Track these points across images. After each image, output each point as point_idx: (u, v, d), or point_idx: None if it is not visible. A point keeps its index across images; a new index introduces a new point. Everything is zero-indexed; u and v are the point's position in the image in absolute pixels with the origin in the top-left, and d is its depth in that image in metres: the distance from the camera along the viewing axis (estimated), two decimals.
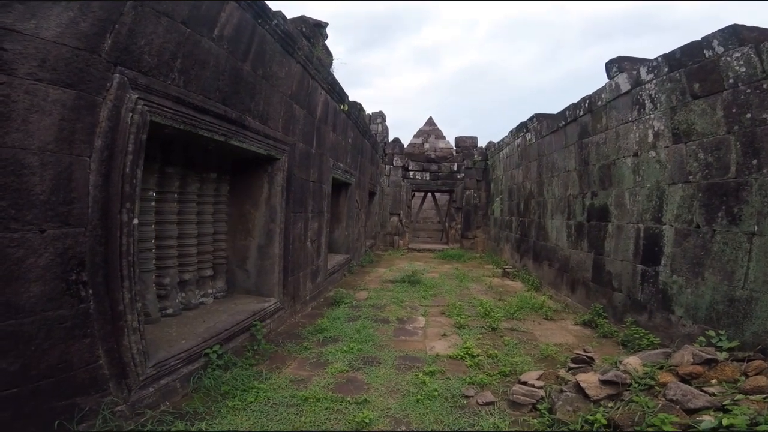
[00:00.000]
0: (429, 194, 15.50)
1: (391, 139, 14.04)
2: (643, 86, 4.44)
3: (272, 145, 4.15)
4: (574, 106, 6.21)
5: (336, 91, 6.22)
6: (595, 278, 5.51)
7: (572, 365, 3.43)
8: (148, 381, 2.59)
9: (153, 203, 3.45)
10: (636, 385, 2.59)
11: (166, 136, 3.04)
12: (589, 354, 3.45)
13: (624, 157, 4.89)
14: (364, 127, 9.28)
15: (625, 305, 4.76)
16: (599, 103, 5.41)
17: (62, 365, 2.05)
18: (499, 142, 11.59)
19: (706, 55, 3.57)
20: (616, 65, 4.99)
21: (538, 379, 3.06)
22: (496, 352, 3.97)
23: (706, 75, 3.57)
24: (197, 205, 3.94)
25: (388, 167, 13.56)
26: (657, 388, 2.56)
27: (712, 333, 3.35)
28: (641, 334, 4.10)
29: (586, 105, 5.79)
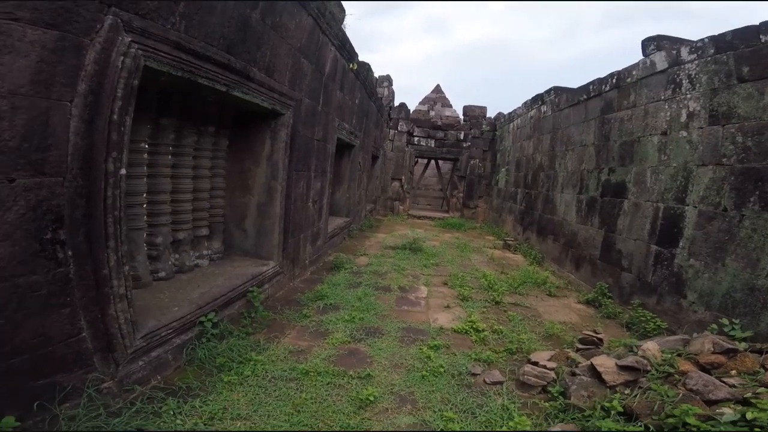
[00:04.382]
0: (432, 161, 15.13)
1: (397, 103, 13.50)
2: (682, 66, 4.22)
3: (277, 99, 3.83)
4: (599, 81, 5.95)
5: (346, 49, 5.79)
6: (604, 256, 5.36)
7: (580, 346, 3.31)
8: (138, 354, 2.38)
9: (145, 155, 3.16)
10: (655, 372, 2.46)
11: (162, 85, 2.76)
12: (598, 335, 3.32)
13: (650, 135, 4.68)
14: (371, 88, 8.82)
15: (634, 286, 4.63)
16: (629, 79, 5.17)
17: (38, 340, 1.81)
18: (509, 113, 11.25)
19: (762, 40, 3.36)
20: (654, 43, 4.76)
21: (549, 360, 2.93)
22: (501, 327, 3.85)
23: (759, 60, 3.39)
24: (194, 159, 3.65)
25: (392, 132, 13.13)
26: (676, 376, 2.43)
27: (725, 321, 3.24)
28: (648, 317, 3.99)
29: (614, 81, 5.54)
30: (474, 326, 3.77)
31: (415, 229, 9.71)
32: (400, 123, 13.12)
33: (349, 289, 4.76)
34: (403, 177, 13.34)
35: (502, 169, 11.63)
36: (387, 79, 13.99)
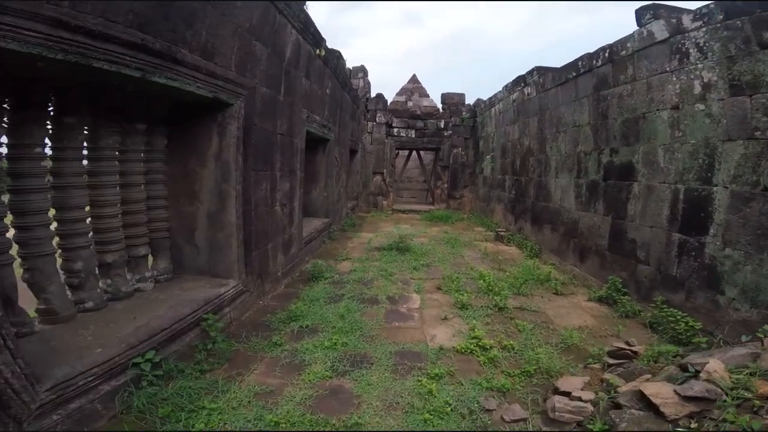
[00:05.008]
0: (413, 153, 14.53)
1: (373, 95, 12.82)
2: (686, 34, 3.75)
3: (221, 87, 3.13)
4: (589, 56, 5.44)
5: (310, 32, 5.08)
6: (613, 246, 4.82)
7: (611, 361, 2.75)
8: (48, 408, 1.92)
9: (44, 163, 2.44)
10: (729, 399, 1.89)
11: (46, 73, 2.12)
12: (632, 348, 2.75)
13: (658, 110, 4.16)
14: (343, 78, 8.09)
15: (654, 280, 4.10)
16: (623, 52, 4.67)
17: None
18: (490, 98, 10.70)
19: None
20: (650, 12, 4.28)
21: (582, 388, 2.34)
22: (510, 342, 3.25)
23: None
24: (120, 164, 2.92)
25: (370, 124, 12.46)
26: (756, 402, 1.86)
27: None
28: (677, 317, 3.43)
29: (606, 54, 5.01)
30: (479, 343, 3.16)
31: (400, 225, 9.09)
32: (378, 114, 12.46)
33: (329, 304, 4.08)
34: (384, 170, 12.69)
35: (487, 157, 11.09)
36: (362, 70, 13.33)
